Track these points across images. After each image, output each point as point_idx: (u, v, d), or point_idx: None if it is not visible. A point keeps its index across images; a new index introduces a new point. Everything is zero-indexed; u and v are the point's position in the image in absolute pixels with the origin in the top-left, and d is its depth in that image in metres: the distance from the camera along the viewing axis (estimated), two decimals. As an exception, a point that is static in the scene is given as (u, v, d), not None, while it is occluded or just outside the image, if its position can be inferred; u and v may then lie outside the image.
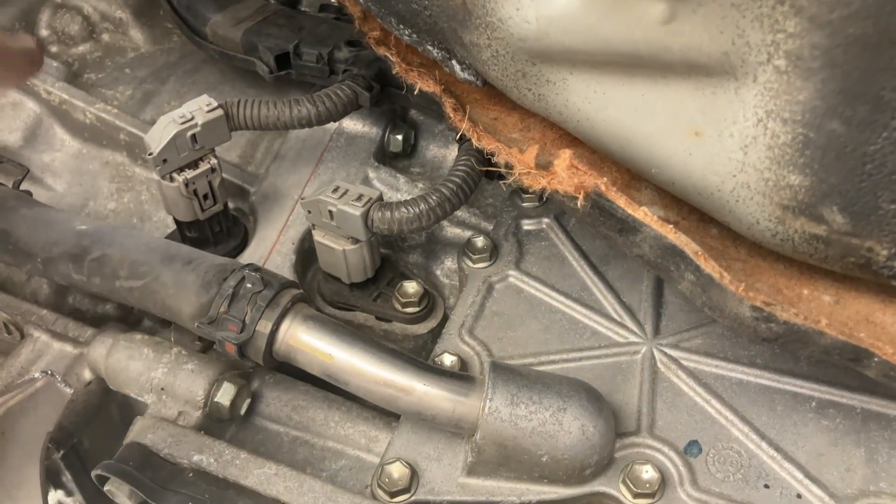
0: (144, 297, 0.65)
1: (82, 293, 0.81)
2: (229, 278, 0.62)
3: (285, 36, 0.83)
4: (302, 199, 0.72)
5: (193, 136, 0.70)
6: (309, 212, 0.71)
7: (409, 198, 0.70)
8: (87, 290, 0.71)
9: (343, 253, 0.72)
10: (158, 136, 0.70)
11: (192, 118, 0.70)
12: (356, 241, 0.71)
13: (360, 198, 0.69)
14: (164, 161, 0.70)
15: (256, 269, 0.63)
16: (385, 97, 0.79)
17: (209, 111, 0.71)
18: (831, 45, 0.40)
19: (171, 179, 0.72)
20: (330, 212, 0.69)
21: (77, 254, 0.67)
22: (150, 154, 0.70)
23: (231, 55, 0.85)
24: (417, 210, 0.68)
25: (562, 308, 0.71)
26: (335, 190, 0.70)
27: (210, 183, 0.74)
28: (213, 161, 0.72)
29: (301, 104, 0.73)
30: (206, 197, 0.74)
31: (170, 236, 0.80)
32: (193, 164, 0.72)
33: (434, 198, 0.68)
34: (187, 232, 0.77)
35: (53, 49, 1.00)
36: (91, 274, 0.67)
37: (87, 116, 0.89)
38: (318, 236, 0.73)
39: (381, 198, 0.70)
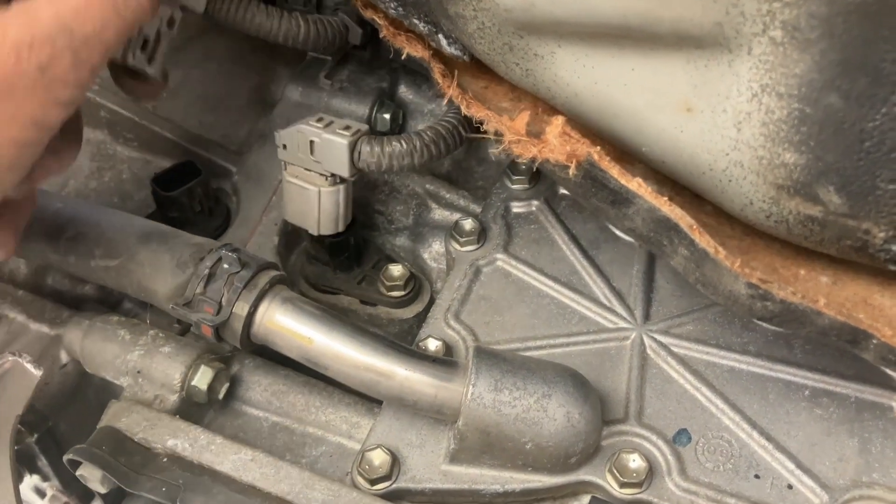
0: (120, 277, 0.63)
1: (61, 274, 0.79)
2: (206, 258, 0.60)
3: None
4: (277, 131, 0.66)
5: None
6: (284, 146, 0.65)
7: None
8: (63, 270, 0.69)
9: (318, 195, 0.66)
10: None
11: None
12: (335, 181, 0.65)
13: (347, 128, 0.64)
14: None
15: (234, 249, 0.61)
16: (376, 47, 0.76)
17: None
18: (830, 14, 0.38)
19: None
20: (311, 143, 0.63)
21: (53, 232, 0.65)
22: None
23: None
24: (411, 145, 0.63)
25: (550, 292, 0.69)
26: (319, 119, 0.64)
27: (159, 34, 0.61)
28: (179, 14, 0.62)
29: (294, 18, 0.68)
30: (144, 45, 0.61)
31: (150, 216, 0.78)
32: None
33: (429, 134, 0.64)
34: (168, 211, 0.76)
35: (35, 24, 0.97)
36: (67, 252, 0.65)
37: (67, 93, 0.87)
38: (289, 177, 0.67)
39: (370, 131, 0.65)
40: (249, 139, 0.86)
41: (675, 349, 0.64)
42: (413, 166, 0.64)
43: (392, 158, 0.63)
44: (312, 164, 0.65)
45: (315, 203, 0.67)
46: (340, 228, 0.70)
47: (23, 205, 0.56)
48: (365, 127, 0.64)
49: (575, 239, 0.73)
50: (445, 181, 0.81)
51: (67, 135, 0.53)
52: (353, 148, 0.63)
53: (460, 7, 0.52)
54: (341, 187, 0.66)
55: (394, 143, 0.63)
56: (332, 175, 0.65)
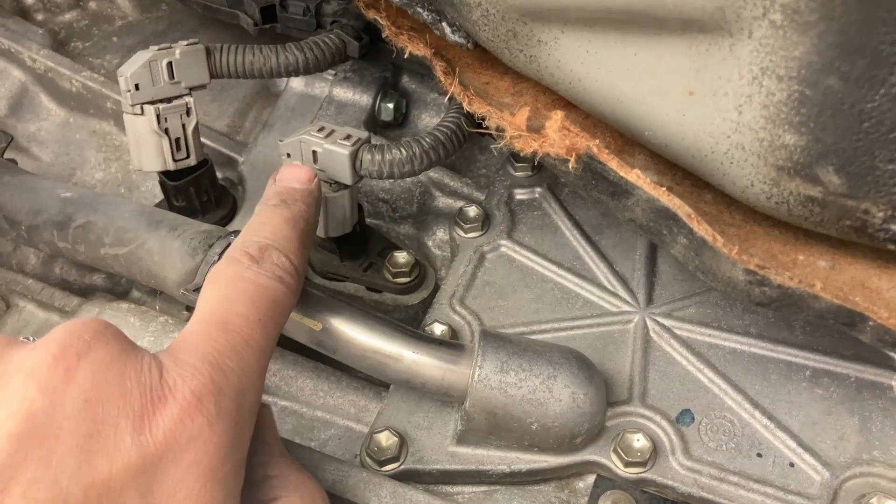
0: (130, 264, 0.64)
1: (70, 263, 0.80)
2: (215, 245, 0.61)
3: None
4: (280, 140, 0.66)
5: (170, 64, 0.67)
6: (288, 155, 0.66)
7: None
8: (72, 258, 0.70)
9: (324, 201, 0.67)
10: (133, 62, 0.67)
11: (170, 48, 0.67)
12: (339, 187, 0.66)
13: (348, 137, 0.64)
14: (136, 87, 0.66)
15: (243, 236, 0.62)
16: (374, 52, 0.77)
17: (188, 44, 0.68)
18: (829, -3, 0.39)
19: (142, 112, 0.68)
20: (314, 152, 0.64)
21: (61, 221, 0.66)
22: (121, 76, 0.66)
23: (214, 8, 0.83)
24: (410, 152, 0.64)
25: (554, 277, 0.70)
26: (320, 129, 0.65)
27: (184, 126, 0.70)
28: (189, 100, 0.70)
29: (288, 51, 0.70)
30: (177, 143, 0.70)
31: (158, 206, 0.78)
32: (167, 101, 0.69)
33: (428, 141, 0.65)
34: (174, 201, 0.76)
35: (39, 17, 0.98)
36: (76, 241, 0.66)
37: (73, 84, 0.87)
38: None
39: (369, 139, 0.66)
40: (255, 129, 0.87)
41: (677, 331, 0.65)
42: (413, 172, 0.65)
43: (392, 166, 0.64)
44: (316, 172, 0.65)
45: (322, 208, 0.68)
46: (348, 230, 0.70)
47: None
48: (365, 135, 0.65)
49: (578, 224, 0.74)
50: (449, 169, 0.82)
51: None
52: (354, 157, 0.64)
53: (464, -6, 0.53)
54: (346, 192, 0.67)
55: (394, 150, 0.64)
56: (336, 182, 0.66)
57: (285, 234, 0.52)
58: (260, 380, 0.46)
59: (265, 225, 0.52)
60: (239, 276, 0.48)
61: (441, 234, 0.81)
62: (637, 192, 0.52)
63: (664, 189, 0.51)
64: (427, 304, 0.74)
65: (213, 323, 0.45)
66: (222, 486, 0.41)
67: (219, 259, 0.60)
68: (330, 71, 0.84)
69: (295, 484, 0.48)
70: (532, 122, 0.58)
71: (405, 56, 0.66)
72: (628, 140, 0.60)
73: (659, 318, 0.66)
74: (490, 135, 0.60)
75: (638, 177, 0.51)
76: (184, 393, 0.40)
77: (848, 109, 0.42)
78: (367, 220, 0.81)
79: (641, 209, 0.53)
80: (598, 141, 0.52)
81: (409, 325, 0.75)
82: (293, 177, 0.57)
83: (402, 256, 0.75)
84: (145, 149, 0.70)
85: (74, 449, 0.36)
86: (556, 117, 0.53)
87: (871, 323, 0.47)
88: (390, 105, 0.85)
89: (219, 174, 0.80)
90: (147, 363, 0.40)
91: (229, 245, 0.60)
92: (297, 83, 0.87)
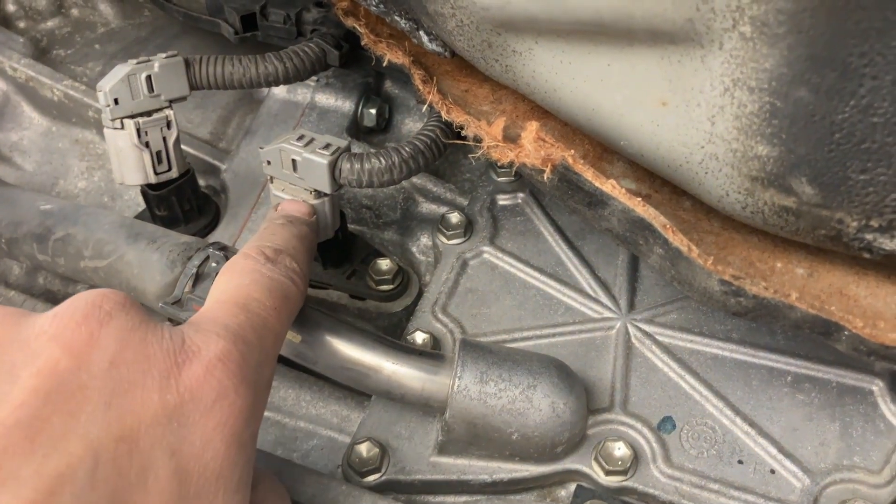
0: (109, 277, 0.64)
1: (53, 275, 0.80)
2: (194, 257, 0.60)
3: None
4: (261, 147, 0.66)
5: (149, 78, 0.67)
6: (268, 162, 0.66)
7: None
8: (52, 271, 0.69)
9: None
10: (111, 76, 0.66)
11: (149, 61, 0.67)
12: (319, 195, 0.66)
13: (327, 146, 0.64)
14: (116, 102, 0.67)
15: (223, 247, 0.62)
16: (355, 59, 0.77)
17: (167, 57, 0.68)
18: (797, 10, 0.39)
19: (122, 126, 0.68)
20: (293, 161, 0.64)
21: (41, 234, 0.66)
22: (100, 91, 0.66)
23: (195, 16, 0.83)
24: (390, 161, 0.64)
25: (536, 284, 0.70)
26: (300, 138, 0.64)
27: (164, 140, 0.70)
28: (169, 112, 0.69)
29: (268, 61, 0.70)
30: (159, 156, 0.70)
31: (139, 215, 0.78)
32: (147, 114, 0.69)
33: (407, 150, 0.65)
34: (157, 210, 0.76)
35: (21, 24, 0.98)
36: (56, 254, 0.66)
37: (54, 93, 0.87)
38: (276, 190, 0.67)
39: (349, 148, 0.65)
40: (237, 136, 0.86)
41: (659, 338, 0.65)
42: (393, 181, 0.65)
43: (371, 175, 0.64)
44: (296, 179, 0.66)
45: None
46: (329, 235, 0.70)
47: None
48: (345, 143, 0.65)
49: (560, 230, 0.74)
50: (432, 174, 0.82)
51: None
52: (333, 167, 0.63)
53: (439, 5, 0.53)
54: (326, 200, 0.66)
55: (373, 160, 0.64)
56: (316, 190, 0.66)
57: (295, 245, 0.55)
58: (273, 363, 0.47)
59: (276, 235, 0.56)
60: (255, 268, 0.50)
61: (425, 239, 0.81)
62: (613, 203, 0.52)
63: (639, 199, 0.50)
64: (411, 310, 0.74)
65: (232, 302, 0.46)
66: (244, 451, 0.41)
67: (197, 271, 0.60)
68: (312, 77, 0.83)
69: (271, 485, 0.48)
70: (509, 131, 0.58)
71: (384, 64, 0.65)
72: (607, 148, 0.59)
73: (641, 325, 0.66)
74: (469, 144, 0.60)
75: (613, 187, 0.51)
76: (208, 355, 0.41)
77: (819, 121, 0.42)
78: (351, 227, 0.81)
79: (617, 219, 0.53)
80: (573, 151, 0.52)
81: (393, 332, 0.76)
82: (294, 208, 0.62)
83: (384, 263, 0.75)
84: (127, 162, 0.70)
85: (102, 406, 0.36)
86: (531, 128, 0.53)
87: (846, 332, 0.47)
88: (373, 111, 0.84)
89: (201, 182, 0.80)
90: (168, 331, 0.41)
91: (208, 257, 0.60)
92: (279, 90, 0.86)
